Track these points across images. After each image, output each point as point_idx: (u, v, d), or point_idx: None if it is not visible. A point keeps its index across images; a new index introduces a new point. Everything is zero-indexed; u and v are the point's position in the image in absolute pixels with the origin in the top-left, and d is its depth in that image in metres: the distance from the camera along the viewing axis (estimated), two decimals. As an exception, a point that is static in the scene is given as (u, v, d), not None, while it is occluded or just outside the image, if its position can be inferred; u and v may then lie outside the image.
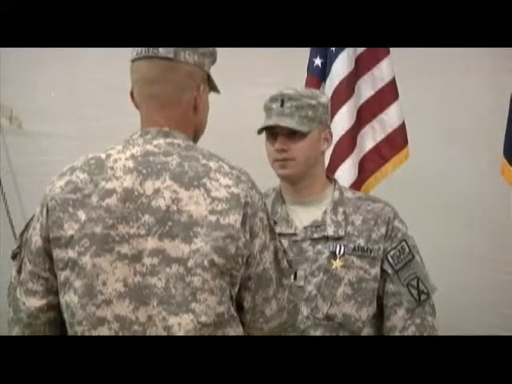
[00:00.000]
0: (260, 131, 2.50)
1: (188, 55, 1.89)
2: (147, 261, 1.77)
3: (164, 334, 1.75)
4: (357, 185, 3.45)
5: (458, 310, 3.77)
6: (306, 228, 2.48)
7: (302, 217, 2.50)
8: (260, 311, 1.86)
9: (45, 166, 4.22)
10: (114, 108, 4.30)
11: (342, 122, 3.46)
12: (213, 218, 1.78)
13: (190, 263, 1.76)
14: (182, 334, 1.75)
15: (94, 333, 1.78)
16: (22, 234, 1.92)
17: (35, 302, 1.87)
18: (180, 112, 1.90)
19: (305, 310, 2.41)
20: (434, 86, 4.03)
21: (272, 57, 3.87)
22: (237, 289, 1.82)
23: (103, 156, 1.86)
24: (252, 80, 3.99)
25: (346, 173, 3.45)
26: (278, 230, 2.48)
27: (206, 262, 1.76)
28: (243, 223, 1.79)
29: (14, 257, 1.92)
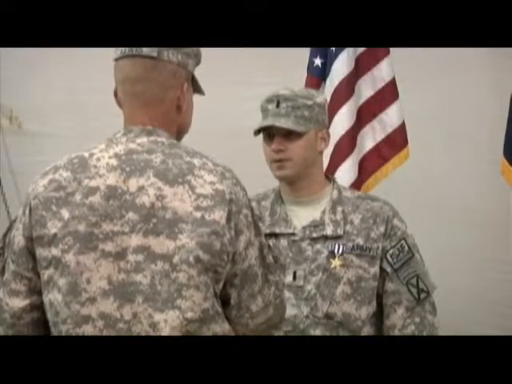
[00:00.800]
0: (256, 132, 2.50)
1: (172, 54, 1.89)
2: (131, 258, 1.78)
3: (150, 330, 1.75)
4: (357, 185, 3.45)
5: (458, 310, 3.77)
6: (304, 228, 2.48)
7: (301, 216, 2.50)
8: (246, 307, 1.86)
9: (45, 166, 4.21)
10: (114, 108, 4.30)
11: (341, 122, 3.46)
12: (198, 214, 1.78)
13: (175, 259, 1.77)
14: (167, 330, 1.75)
15: (79, 331, 1.78)
16: (5, 235, 1.92)
17: (18, 303, 1.87)
18: (163, 111, 1.90)
19: (304, 309, 2.41)
20: (434, 85, 4.03)
21: (272, 57, 3.87)
22: (221, 285, 1.82)
23: (86, 155, 1.87)
24: (252, 80, 3.99)
25: (346, 173, 3.45)
26: (276, 230, 2.49)
27: (191, 258, 1.77)
28: (228, 220, 1.79)
29: None
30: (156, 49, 1.88)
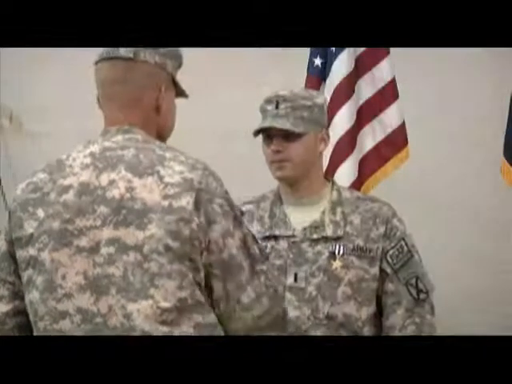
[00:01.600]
0: (255, 133, 2.50)
1: (148, 55, 1.90)
2: (104, 251, 1.79)
3: (124, 321, 1.76)
4: (357, 185, 3.45)
5: (458, 310, 3.77)
6: (304, 229, 2.48)
7: (301, 218, 2.50)
8: (235, 299, 1.83)
9: (45, 166, 4.22)
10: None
11: (341, 122, 3.46)
12: (165, 202, 1.78)
13: (146, 249, 1.77)
14: (141, 319, 1.75)
15: (56, 327, 1.79)
16: None
17: (2, 308, 1.89)
18: (140, 111, 1.91)
19: (306, 311, 2.41)
20: (434, 85, 4.04)
21: (272, 57, 3.87)
22: (202, 275, 1.81)
23: (64, 156, 1.90)
24: (252, 80, 3.99)
25: (346, 173, 3.45)
26: (276, 232, 2.49)
27: (160, 247, 1.77)
28: (196, 207, 1.78)
29: None
30: (132, 50, 1.90)
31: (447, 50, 3.06)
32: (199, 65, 3.86)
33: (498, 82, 3.85)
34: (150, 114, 1.92)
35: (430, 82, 4.02)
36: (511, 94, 3.36)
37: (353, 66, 3.48)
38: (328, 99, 3.35)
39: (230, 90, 4.03)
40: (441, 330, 2.51)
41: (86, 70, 4.31)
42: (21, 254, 1.85)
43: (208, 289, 1.83)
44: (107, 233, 1.79)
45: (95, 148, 1.88)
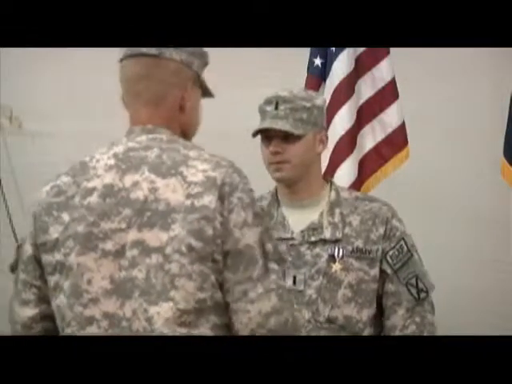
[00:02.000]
0: (254, 134, 2.49)
1: (174, 52, 1.88)
2: (129, 254, 1.77)
3: (146, 325, 1.74)
4: (357, 185, 3.45)
5: (458, 310, 3.77)
6: (302, 231, 2.47)
7: (299, 220, 2.49)
8: (242, 291, 1.77)
9: (45, 165, 4.21)
10: (114, 108, 4.30)
11: (341, 122, 3.46)
12: (188, 202, 1.76)
13: (168, 250, 1.75)
14: (161, 322, 1.73)
15: (83, 333, 1.78)
16: (18, 247, 1.92)
17: (28, 312, 1.87)
18: (165, 110, 1.89)
19: (306, 314, 2.41)
20: (434, 85, 4.04)
21: (272, 57, 3.87)
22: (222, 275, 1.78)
23: (87, 158, 1.88)
24: (252, 80, 3.99)
25: (346, 173, 3.45)
26: (274, 234, 2.47)
27: (183, 247, 1.74)
28: (220, 202, 1.76)
29: (12, 270, 1.91)
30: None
31: (447, 50, 3.06)
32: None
33: (497, 82, 3.85)
34: (174, 112, 1.89)
35: (430, 82, 4.01)
36: (511, 93, 3.36)
37: (353, 66, 3.48)
38: (328, 99, 3.35)
39: (230, 90, 4.03)
40: (441, 330, 2.51)
41: (86, 69, 4.32)
42: (46, 258, 1.83)
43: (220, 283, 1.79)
44: (132, 235, 1.77)
45: (119, 149, 1.85)
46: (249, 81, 4.01)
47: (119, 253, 1.78)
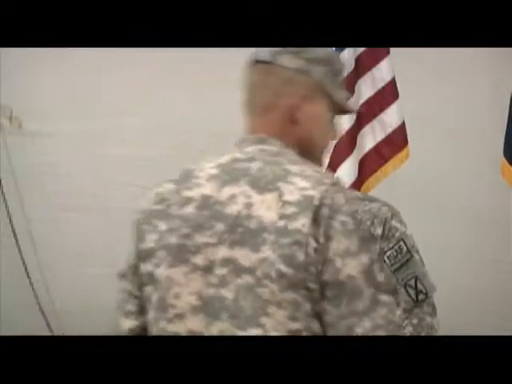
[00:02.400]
0: None
1: (288, 59, 1.79)
2: (218, 271, 1.66)
3: None
4: (357, 185, 3.46)
5: (458, 310, 3.77)
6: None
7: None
8: (347, 327, 1.63)
9: (45, 165, 4.22)
10: (114, 108, 4.30)
11: (341, 122, 3.46)
12: (281, 223, 1.63)
13: (259, 273, 1.63)
14: None
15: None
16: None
17: (129, 323, 1.80)
18: (276, 119, 1.76)
19: None
20: (434, 85, 4.04)
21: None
22: (320, 305, 1.64)
23: (193, 166, 1.78)
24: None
25: (346, 173, 3.45)
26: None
27: (273, 273, 1.62)
28: (315, 226, 1.62)
29: (120, 278, 1.84)
30: (270, 53, 1.81)
31: (447, 50, 3.06)
32: (199, 65, 3.86)
33: (497, 82, 3.85)
34: (284, 123, 1.76)
35: (430, 82, 4.02)
36: (511, 93, 3.36)
37: (353, 66, 3.49)
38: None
39: (230, 89, 4.03)
40: (441, 330, 2.51)
41: (86, 69, 4.32)
42: (142, 268, 1.75)
43: (319, 314, 1.66)
44: (222, 252, 1.66)
45: (225, 158, 1.75)
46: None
47: (208, 269, 1.67)
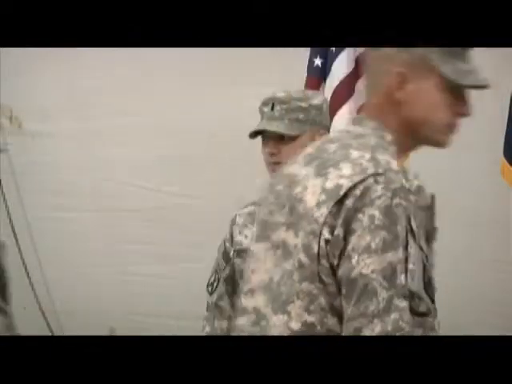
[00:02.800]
0: (251, 135, 2.52)
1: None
2: (278, 252, 1.65)
3: (268, 333, 1.64)
4: (357, 185, 3.46)
5: (458, 310, 3.77)
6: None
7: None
8: (355, 328, 1.58)
9: (45, 165, 4.22)
10: (114, 108, 4.30)
11: (341, 121, 3.46)
12: (313, 211, 1.59)
13: (295, 260, 1.61)
14: (274, 334, 1.63)
15: (236, 323, 1.70)
16: None
17: (223, 323, 1.88)
18: (375, 100, 1.72)
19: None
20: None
21: (272, 57, 3.87)
22: (339, 301, 1.59)
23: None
24: (252, 80, 4.00)
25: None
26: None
27: (296, 262, 1.61)
28: (333, 217, 1.56)
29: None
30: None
31: (447, 50, 3.05)
32: (199, 65, 3.86)
33: (497, 82, 3.85)
34: (384, 103, 1.70)
35: (430, 82, 4.01)
36: (511, 93, 3.36)
37: (353, 65, 3.49)
38: (328, 99, 3.35)
39: (230, 90, 4.03)
40: (441, 330, 2.51)
41: (86, 69, 4.32)
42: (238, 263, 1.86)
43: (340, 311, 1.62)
44: (282, 233, 1.65)
45: (323, 140, 1.75)
46: (249, 81, 4.02)
47: (277, 248, 1.65)
